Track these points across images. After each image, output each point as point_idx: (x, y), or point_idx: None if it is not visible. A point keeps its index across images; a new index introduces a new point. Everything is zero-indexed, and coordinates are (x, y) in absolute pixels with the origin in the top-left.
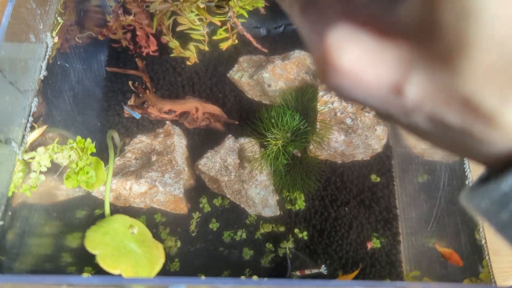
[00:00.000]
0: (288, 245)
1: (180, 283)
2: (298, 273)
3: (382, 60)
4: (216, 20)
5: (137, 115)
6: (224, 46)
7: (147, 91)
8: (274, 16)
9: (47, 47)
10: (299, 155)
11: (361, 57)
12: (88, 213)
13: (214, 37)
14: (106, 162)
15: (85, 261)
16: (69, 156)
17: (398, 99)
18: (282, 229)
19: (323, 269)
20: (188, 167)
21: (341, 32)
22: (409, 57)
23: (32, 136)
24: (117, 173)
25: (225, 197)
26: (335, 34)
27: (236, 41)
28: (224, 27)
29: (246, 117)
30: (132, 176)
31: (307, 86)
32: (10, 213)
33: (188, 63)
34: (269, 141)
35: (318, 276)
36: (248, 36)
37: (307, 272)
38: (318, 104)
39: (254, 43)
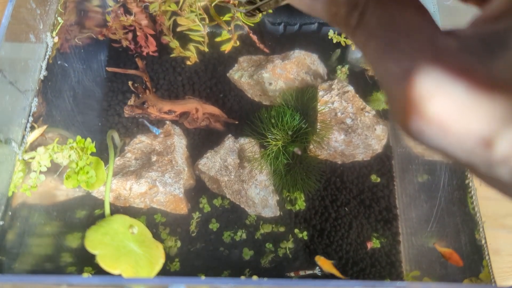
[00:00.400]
0: (288, 245)
1: (180, 283)
2: (292, 274)
3: (473, 112)
4: (222, 22)
5: (157, 131)
6: (226, 48)
7: (147, 91)
8: (291, 13)
9: (47, 47)
10: (299, 153)
11: (450, 107)
12: (88, 213)
13: (217, 39)
14: (106, 162)
15: (85, 261)
16: (69, 156)
17: (485, 152)
18: (282, 229)
19: (317, 271)
20: (188, 167)
21: (431, 79)
22: (504, 112)
23: (32, 136)
24: (117, 173)
25: (225, 197)
26: (424, 79)
27: (238, 43)
28: (228, 28)
29: (246, 117)
30: (132, 176)
31: (307, 86)
32: (10, 213)
33: (188, 63)
34: (269, 141)
35: (313, 277)
36: (254, 37)
37: (301, 273)
38: (318, 104)
39: (258, 43)
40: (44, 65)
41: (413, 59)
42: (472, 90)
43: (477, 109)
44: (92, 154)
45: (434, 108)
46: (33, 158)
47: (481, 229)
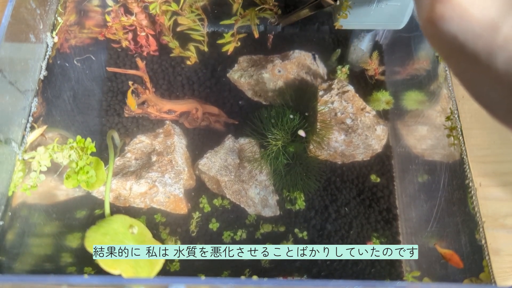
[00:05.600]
0: (288, 245)
1: (180, 283)
2: (281, 278)
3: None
4: (253, 20)
5: None
6: (229, 49)
7: (147, 91)
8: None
9: (47, 47)
10: (304, 135)
11: None
12: (88, 213)
13: (220, 41)
14: (106, 162)
15: (85, 261)
16: (69, 155)
17: (490, 34)
18: (282, 229)
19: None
20: (188, 167)
21: None
22: None
23: (32, 136)
24: (117, 173)
25: (225, 197)
26: None
27: (238, 43)
28: (231, 32)
29: (246, 117)
30: (132, 176)
31: (307, 86)
32: (10, 213)
33: (188, 63)
34: (269, 141)
35: None
36: (270, 36)
37: (289, 279)
38: (318, 104)
39: (269, 43)
40: (44, 65)
41: None
42: None
43: None
44: (92, 154)
45: None
46: (33, 158)
47: (481, 229)
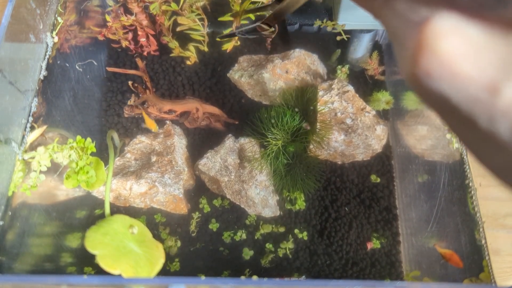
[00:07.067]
0: (288, 246)
1: (180, 283)
2: (277, 279)
3: (486, 55)
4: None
5: None
6: (228, 47)
7: (147, 91)
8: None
9: (47, 47)
10: (308, 128)
11: (463, 46)
12: (88, 213)
13: (218, 38)
14: (106, 162)
15: (85, 261)
16: (69, 155)
17: (490, 98)
18: (282, 229)
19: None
20: (188, 167)
21: (447, 20)
22: None
23: (32, 136)
24: (117, 173)
25: (225, 197)
26: (440, 20)
27: (238, 42)
28: (229, 29)
29: (246, 117)
30: (132, 177)
31: (307, 86)
32: (10, 213)
33: (188, 62)
34: (269, 141)
35: None
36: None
37: (286, 279)
38: (318, 104)
39: (267, 44)
40: (44, 65)
41: (432, 8)
42: (487, 32)
43: (489, 51)
44: (92, 154)
45: (447, 46)
46: (33, 158)
47: (481, 229)
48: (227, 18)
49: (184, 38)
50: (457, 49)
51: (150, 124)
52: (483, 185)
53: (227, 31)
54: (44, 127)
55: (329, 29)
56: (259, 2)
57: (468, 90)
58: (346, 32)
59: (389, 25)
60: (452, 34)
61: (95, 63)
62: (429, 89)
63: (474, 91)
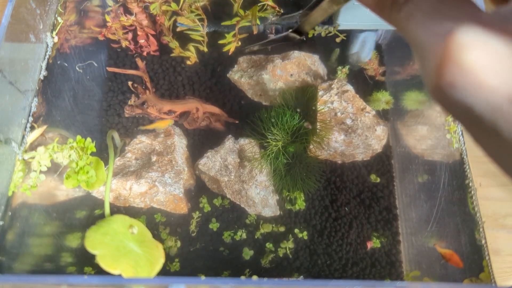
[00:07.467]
0: (288, 245)
1: (180, 283)
2: (277, 279)
3: (509, 67)
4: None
5: None
6: (230, 49)
7: (147, 91)
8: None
9: (47, 47)
10: (309, 127)
11: (488, 58)
12: (88, 213)
13: (222, 41)
14: (106, 162)
15: (85, 261)
16: (69, 155)
17: None
18: (282, 229)
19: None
20: (188, 167)
21: (472, 33)
22: None
23: (32, 136)
24: (117, 173)
25: (225, 197)
26: (465, 33)
27: (239, 43)
28: (232, 32)
29: (246, 117)
30: (132, 176)
31: (307, 86)
32: (10, 213)
33: (188, 63)
34: (269, 141)
35: None
36: (270, 36)
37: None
38: (318, 104)
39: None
40: (44, 65)
41: (456, 22)
42: (509, 44)
43: None
44: (92, 154)
45: (472, 57)
46: (33, 158)
47: (481, 229)
48: (233, 21)
49: (184, 38)
50: (481, 60)
51: (164, 123)
52: (483, 185)
53: (255, 46)
54: (44, 127)
55: (327, 31)
56: (262, 3)
57: (491, 100)
58: (346, 32)
59: (412, 38)
60: (476, 46)
61: (95, 64)
62: (453, 100)
63: (498, 101)
